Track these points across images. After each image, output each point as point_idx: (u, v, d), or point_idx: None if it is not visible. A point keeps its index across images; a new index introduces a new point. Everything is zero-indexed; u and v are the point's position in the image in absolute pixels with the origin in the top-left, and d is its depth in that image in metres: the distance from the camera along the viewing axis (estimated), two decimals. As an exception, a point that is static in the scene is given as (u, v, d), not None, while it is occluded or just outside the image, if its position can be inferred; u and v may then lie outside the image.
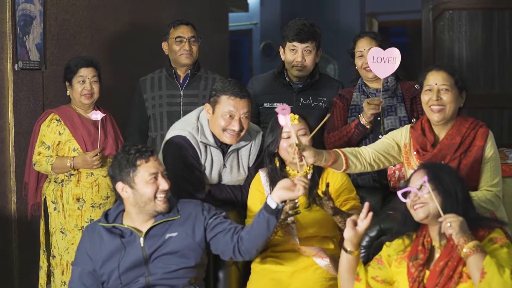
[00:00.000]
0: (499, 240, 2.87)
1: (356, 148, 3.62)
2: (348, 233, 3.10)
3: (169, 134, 3.91)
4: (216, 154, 3.89)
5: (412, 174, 3.04)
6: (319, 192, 3.49)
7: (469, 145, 3.55)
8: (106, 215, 3.42)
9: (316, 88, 4.48)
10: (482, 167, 3.53)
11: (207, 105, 3.85)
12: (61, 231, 4.34)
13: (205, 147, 3.87)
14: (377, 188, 4.20)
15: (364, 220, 3.09)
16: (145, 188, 3.27)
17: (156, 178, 3.29)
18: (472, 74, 7.34)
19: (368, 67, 4.20)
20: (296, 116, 3.55)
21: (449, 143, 3.56)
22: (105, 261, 3.29)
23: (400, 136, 3.72)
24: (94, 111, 4.31)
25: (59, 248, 4.32)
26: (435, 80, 3.53)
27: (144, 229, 3.32)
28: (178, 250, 3.30)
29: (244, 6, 9.93)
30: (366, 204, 3.12)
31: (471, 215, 2.94)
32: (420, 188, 2.93)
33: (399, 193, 2.99)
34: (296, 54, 4.43)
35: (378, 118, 4.20)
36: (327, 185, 3.48)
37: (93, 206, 4.34)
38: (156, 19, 6.43)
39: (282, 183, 3.12)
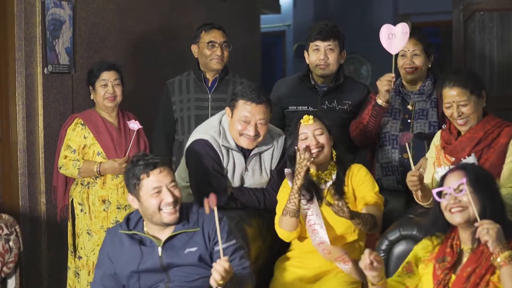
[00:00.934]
0: None
1: None
2: (368, 275, 2.92)
3: (192, 138, 3.94)
4: (238, 157, 3.91)
5: (447, 173, 3.00)
6: (331, 201, 3.52)
7: (492, 142, 3.54)
8: (128, 219, 3.42)
9: (341, 91, 4.47)
10: (507, 165, 3.50)
11: (227, 109, 3.88)
12: (87, 232, 4.41)
13: (227, 150, 3.89)
14: (402, 190, 4.17)
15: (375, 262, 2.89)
16: (149, 201, 3.24)
17: (159, 191, 3.25)
18: (504, 75, 7.28)
19: (411, 68, 4.20)
20: (311, 117, 3.65)
21: (471, 136, 3.57)
22: (124, 265, 3.30)
23: (435, 141, 3.78)
24: (133, 120, 4.34)
25: (85, 249, 4.39)
26: (452, 98, 3.55)
27: (163, 237, 3.31)
28: (197, 262, 3.29)
29: (276, 7, 9.93)
30: (366, 252, 2.89)
31: (506, 222, 2.90)
32: (458, 190, 2.88)
33: (434, 192, 2.95)
34: (319, 53, 4.44)
35: (409, 121, 4.22)
36: (338, 198, 3.49)
37: (118, 208, 4.41)
38: (185, 22, 6.48)
39: None
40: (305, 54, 4.55)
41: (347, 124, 4.37)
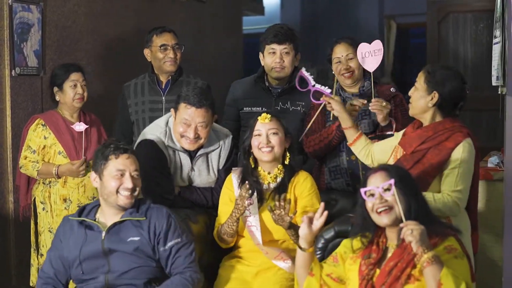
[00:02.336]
0: (454, 249, 2.92)
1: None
2: (303, 231, 3.19)
3: (139, 139, 4.06)
4: (184, 158, 4.02)
5: (369, 174, 3.08)
6: (272, 205, 3.61)
7: (438, 144, 3.54)
8: (82, 209, 3.61)
9: (294, 92, 4.52)
10: (448, 171, 3.52)
11: (172, 111, 4.00)
12: (49, 231, 4.50)
13: (173, 151, 4.00)
14: (351, 192, 4.23)
15: (319, 219, 3.18)
16: (110, 181, 3.45)
17: (122, 175, 3.44)
18: (478, 76, 7.36)
19: (346, 72, 4.28)
20: (268, 116, 3.73)
21: (420, 133, 3.61)
22: (70, 249, 3.47)
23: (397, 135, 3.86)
24: (78, 123, 4.45)
25: (47, 247, 4.44)
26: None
27: (110, 223, 3.49)
28: (138, 251, 3.44)
29: (259, 9, 10.01)
30: (322, 204, 3.22)
31: (429, 219, 2.99)
32: (385, 189, 2.96)
33: (362, 191, 3.03)
34: (274, 56, 4.53)
35: None
36: (289, 201, 3.58)
37: (79, 206, 4.45)
38: (162, 24, 6.48)
39: None
40: (260, 56, 4.64)
41: (300, 126, 4.43)
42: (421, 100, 3.61)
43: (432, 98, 3.58)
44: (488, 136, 7.15)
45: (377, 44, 4.10)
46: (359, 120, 4.23)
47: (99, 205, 3.59)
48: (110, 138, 4.55)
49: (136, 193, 3.48)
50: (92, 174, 3.55)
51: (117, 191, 3.44)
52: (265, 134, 3.75)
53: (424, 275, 2.83)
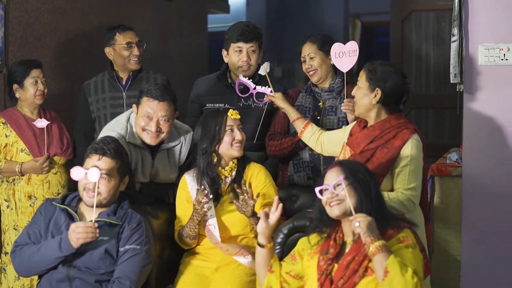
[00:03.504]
0: (406, 240, 2.99)
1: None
2: (260, 226, 3.25)
3: (100, 135, 4.06)
4: (145, 154, 4.05)
5: (326, 170, 3.16)
6: (239, 190, 3.66)
7: (386, 142, 3.58)
8: (65, 196, 3.69)
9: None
10: (400, 169, 3.56)
11: (134, 106, 4.03)
12: (14, 228, 4.49)
13: (134, 147, 4.02)
14: (312, 186, 4.26)
15: (275, 212, 3.23)
16: (81, 179, 3.53)
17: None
18: (440, 74, 7.45)
19: (312, 71, 4.36)
20: (236, 112, 3.86)
21: (367, 133, 3.64)
22: (46, 228, 3.55)
23: (347, 129, 3.90)
24: (39, 119, 4.45)
25: (11, 245, 4.41)
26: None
27: (89, 217, 3.55)
28: (105, 252, 3.49)
29: (224, 7, 10.01)
30: (276, 198, 3.28)
31: (383, 212, 3.07)
32: (336, 187, 3.04)
33: (316, 189, 3.10)
34: (241, 54, 4.56)
35: (318, 118, 4.32)
36: (250, 185, 3.64)
37: (44, 203, 4.50)
38: (128, 22, 6.49)
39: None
40: (224, 53, 4.67)
41: (264, 122, 4.45)
42: (364, 98, 3.65)
43: (375, 95, 3.62)
44: (450, 134, 7.24)
45: (353, 45, 4.14)
46: (325, 116, 4.28)
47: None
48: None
49: (102, 196, 3.55)
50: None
51: (84, 189, 3.54)
52: (236, 129, 3.85)
53: (373, 263, 2.91)
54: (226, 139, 3.84)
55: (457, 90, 4.21)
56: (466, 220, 4.18)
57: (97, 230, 3.38)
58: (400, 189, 3.54)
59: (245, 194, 3.67)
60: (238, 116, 3.89)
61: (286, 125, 4.42)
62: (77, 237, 3.36)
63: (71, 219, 3.55)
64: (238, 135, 3.85)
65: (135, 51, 4.84)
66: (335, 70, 4.40)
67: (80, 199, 3.64)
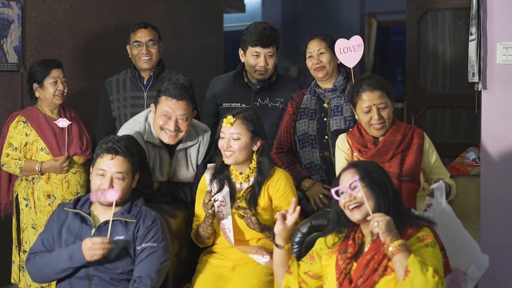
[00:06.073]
0: (426, 238, 2.97)
1: None
2: (277, 227, 3.22)
3: (119, 134, 4.05)
4: (163, 153, 4.04)
5: (341, 173, 3.14)
6: (241, 212, 3.64)
7: (409, 143, 3.72)
8: (77, 200, 3.65)
9: (273, 89, 4.59)
10: (431, 163, 3.77)
11: (152, 105, 4.02)
12: (32, 227, 4.49)
13: (152, 146, 4.02)
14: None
15: (292, 214, 3.21)
16: (94, 179, 3.53)
17: (103, 175, 3.49)
18: (456, 73, 7.42)
19: (318, 67, 4.30)
20: (232, 120, 3.70)
21: (391, 139, 3.71)
22: (58, 234, 3.54)
23: (342, 147, 3.87)
24: (61, 118, 4.46)
25: (30, 243, 4.46)
26: (373, 100, 3.70)
27: (102, 218, 3.53)
28: (122, 251, 3.48)
29: (240, 7, 10.02)
30: (293, 200, 3.26)
31: (401, 211, 3.06)
32: (352, 187, 3.02)
33: (332, 191, 3.09)
34: (258, 59, 4.54)
35: (325, 119, 4.28)
36: (244, 208, 3.63)
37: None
38: (144, 21, 6.55)
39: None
40: (240, 52, 4.66)
41: (279, 121, 4.46)
42: (390, 111, 3.76)
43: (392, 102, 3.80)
44: (467, 133, 7.22)
45: (357, 40, 4.13)
46: (331, 117, 4.27)
47: None
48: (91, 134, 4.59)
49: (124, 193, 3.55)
50: (92, 167, 3.63)
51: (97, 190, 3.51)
52: (227, 138, 3.72)
53: (393, 263, 2.89)
54: (219, 144, 3.77)
55: (475, 89, 4.18)
56: (484, 219, 4.16)
57: (112, 246, 3.40)
58: (446, 178, 3.73)
59: (246, 214, 3.61)
60: (230, 126, 3.70)
61: (291, 134, 4.38)
62: (92, 254, 3.35)
63: (85, 222, 3.54)
64: (225, 144, 3.71)
65: (143, 50, 4.83)
66: (338, 69, 4.37)
67: (90, 202, 3.62)
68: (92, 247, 3.34)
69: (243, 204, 3.70)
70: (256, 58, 4.55)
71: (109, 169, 3.50)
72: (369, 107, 3.69)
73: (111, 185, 3.49)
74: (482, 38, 4.06)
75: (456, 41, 7.43)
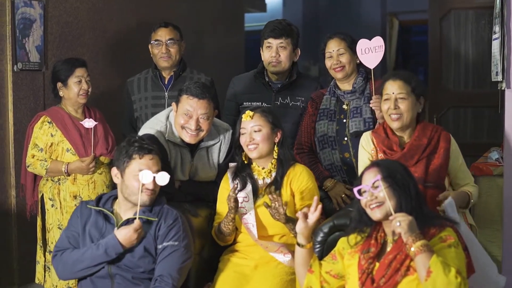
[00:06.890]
0: (448, 238, 2.95)
1: None
2: (299, 226, 3.22)
3: (140, 132, 4.06)
4: (185, 152, 4.03)
5: (364, 172, 3.13)
6: (267, 201, 3.63)
7: (435, 147, 3.68)
8: (99, 198, 3.65)
9: (294, 87, 4.58)
10: (457, 167, 3.73)
11: (173, 104, 4.01)
12: (58, 227, 4.46)
13: (174, 145, 4.01)
14: (349, 188, 4.22)
15: (314, 213, 3.20)
16: (131, 181, 3.48)
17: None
18: (479, 73, 7.37)
19: (337, 67, 4.28)
20: (251, 113, 3.75)
21: (417, 143, 3.68)
22: (82, 231, 3.54)
23: (367, 147, 3.85)
24: (87, 119, 4.43)
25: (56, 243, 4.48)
26: (392, 89, 3.68)
27: (125, 216, 3.54)
28: (143, 249, 3.48)
29: (261, 6, 10.03)
30: (315, 198, 3.25)
31: (424, 211, 3.04)
32: (374, 187, 3.02)
33: (354, 190, 3.08)
34: (271, 50, 4.56)
35: (344, 121, 4.27)
36: (279, 194, 3.61)
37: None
38: (165, 19, 6.55)
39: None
40: (261, 51, 4.66)
41: (300, 120, 4.46)
42: (413, 110, 3.71)
43: (420, 103, 3.74)
44: (489, 133, 7.17)
45: (378, 41, 4.11)
46: (350, 119, 4.25)
47: (115, 196, 3.63)
48: (132, 134, 4.58)
49: (156, 193, 3.55)
50: (114, 170, 3.57)
51: (140, 191, 3.46)
52: (248, 132, 3.76)
53: (415, 263, 2.87)
54: (242, 141, 3.80)
55: (499, 88, 4.14)
56: (507, 219, 4.12)
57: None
58: (470, 183, 3.75)
59: (275, 202, 3.60)
60: (250, 118, 3.77)
61: (311, 135, 4.37)
62: (130, 238, 3.40)
63: (108, 220, 3.55)
64: (248, 138, 3.75)
65: (162, 49, 4.84)
66: (357, 69, 4.35)
67: (114, 199, 3.63)
68: (127, 233, 3.39)
69: (266, 199, 3.69)
70: (269, 50, 4.58)
71: (150, 169, 3.47)
72: (389, 95, 3.69)
73: (155, 186, 3.49)
74: (505, 37, 4.02)
75: (479, 40, 7.37)
